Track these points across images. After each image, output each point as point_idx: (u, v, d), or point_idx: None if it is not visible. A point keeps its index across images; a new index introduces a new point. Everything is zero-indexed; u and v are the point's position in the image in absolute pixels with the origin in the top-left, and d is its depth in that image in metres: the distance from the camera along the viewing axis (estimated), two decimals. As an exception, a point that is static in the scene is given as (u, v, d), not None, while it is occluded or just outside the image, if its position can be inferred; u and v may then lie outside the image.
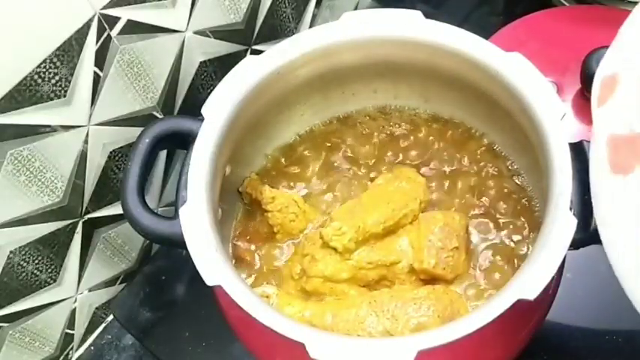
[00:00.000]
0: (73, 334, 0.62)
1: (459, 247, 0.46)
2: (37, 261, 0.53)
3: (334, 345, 0.36)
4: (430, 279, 0.46)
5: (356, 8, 0.78)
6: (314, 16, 0.71)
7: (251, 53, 0.64)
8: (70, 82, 0.48)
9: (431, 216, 0.47)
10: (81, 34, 0.47)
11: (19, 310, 0.54)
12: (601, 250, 0.56)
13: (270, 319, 0.37)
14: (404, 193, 0.48)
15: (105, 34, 0.49)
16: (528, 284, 0.36)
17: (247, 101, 0.46)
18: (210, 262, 0.39)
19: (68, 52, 0.47)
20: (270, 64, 0.46)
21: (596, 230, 0.40)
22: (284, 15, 0.66)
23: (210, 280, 0.38)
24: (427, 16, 0.46)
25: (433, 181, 0.51)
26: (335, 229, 0.46)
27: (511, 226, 0.48)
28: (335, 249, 0.45)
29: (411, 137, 0.53)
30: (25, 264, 0.52)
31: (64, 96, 0.48)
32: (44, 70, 0.45)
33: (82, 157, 0.52)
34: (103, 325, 0.65)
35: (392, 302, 0.44)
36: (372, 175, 0.52)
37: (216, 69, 0.61)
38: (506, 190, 0.50)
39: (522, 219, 0.48)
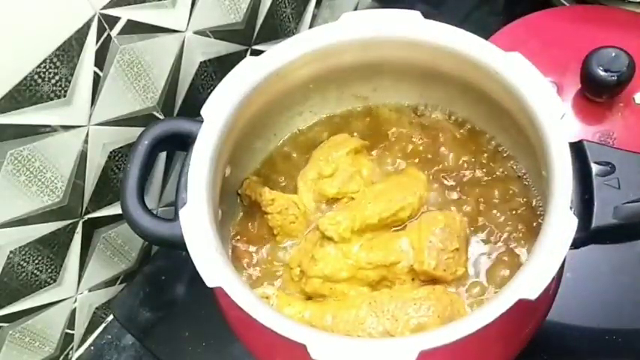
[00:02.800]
0: (73, 334, 0.62)
1: (459, 248, 0.45)
2: (37, 261, 0.53)
3: (336, 346, 0.36)
4: (430, 280, 0.46)
5: (356, 8, 0.78)
6: (314, 16, 0.71)
7: (251, 53, 0.64)
8: (70, 82, 0.48)
9: (432, 216, 0.47)
10: (81, 34, 0.47)
11: (19, 310, 0.54)
12: (601, 250, 0.56)
13: (271, 320, 0.37)
14: (402, 186, 0.48)
15: (105, 34, 0.49)
16: (529, 284, 0.36)
17: (247, 102, 0.46)
18: (211, 263, 0.39)
19: (68, 52, 0.47)
20: (270, 64, 0.46)
21: (596, 230, 0.40)
22: (284, 15, 0.66)
23: (210, 281, 0.38)
24: (427, 16, 0.46)
25: (434, 180, 0.51)
26: (330, 218, 0.46)
27: (513, 226, 0.48)
28: (331, 238, 0.45)
29: (411, 137, 0.53)
30: (25, 264, 0.52)
31: (64, 96, 0.48)
32: (44, 70, 0.45)
33: (82, 157, 0.52)
34: (103, 325, 0.65)
35: (392, 303, 0.44)
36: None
37: (216, 69, 0.61)
38: (508, 190, 0.50)
39: (524, 219, 0.48)
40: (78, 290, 0.59)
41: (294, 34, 0.68)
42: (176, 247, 0.42)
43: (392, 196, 0.48)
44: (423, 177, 0.50)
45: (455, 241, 0.45)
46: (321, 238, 0.47)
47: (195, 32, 0.56)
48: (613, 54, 0.54)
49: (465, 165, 0.51)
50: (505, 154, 0.51)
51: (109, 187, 0.57)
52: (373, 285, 0.46)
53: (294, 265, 0.47)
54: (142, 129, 0.47)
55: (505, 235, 0.48)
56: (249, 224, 0.50)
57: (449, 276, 0.45)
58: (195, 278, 0.39)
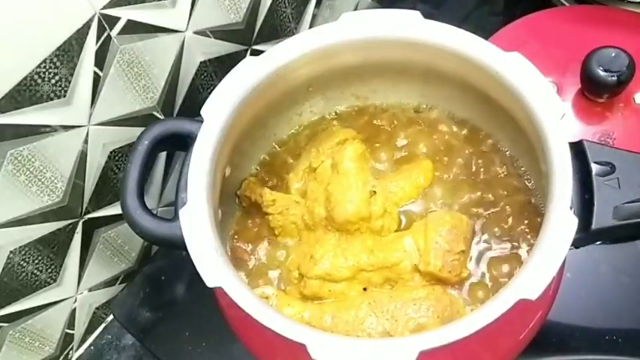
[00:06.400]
0: (73, 334, 0.62)
1: (465, 250, 0.45)
2: (37, 261, 0.53)
3: (336, 346, 0.36)
4: (434, 280, 0.45)
5: (356, 8, 0.78)
6: (314, 16, 0.71)
7: (251, 53, 0.64)
8: (70, 82, 0.48)
9: (439, 217, 0.46)
10: (81, 34, 0.47)
11: (19, 310, 0.54)
12: (601, 250, 0.56)
13: (271, 320, 0.37)
14: (410, 170, 0.50)
15: (105, 34, 0.49)
16: (529, 284, 0.36)
17: (247, 102, 0.46)
18: (211, 263, 0.39)
19: (68, 52, 0.47)
20: (270, 64, 0.46)
21: (596, 230, 0.40)
22: (284, 15, 0.66)
23: (210, 281, 0.38)
24: (427, 16, 0.46)
25: (436, 180, 0.51)
26: None
27: (513, 226, 0.48)
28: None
29: (411, 137, 0.53)
30: (25, 264, 0.52)
31: (64, 96, 0.48)
32: (44, 70, 0.45)
33: (82, 157, 0.52)
34: (103, 325, 0.65)
35: (391, 303, 0.44)
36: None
37: (216, 69, 0.61)
38: (508, 189, 0.50)
39: (525, 218, 0.48)
40: (78, 290, 0.59)
41: (294, 34, 0.68)
42: (176, 247, 0.42)
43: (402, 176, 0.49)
44: (429, 163, 0.50)
45: (461, 243, 0.45)
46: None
47: (195, 32, 0.56)
48: (613, 54, 0.54)
49: (465, 165, 0.51)
50: (505, 154, 0.51)
51: (109, 187, 0.57)
52: (377, 287, 0.46)
53: (293, 268, 0.47)
54: (142, 129, 0.47)
55: (505, 234, 0.48)
56: (249, 224, 0.50)
57: (453, 278, 0.45)
58: (195, 278, 0.39)
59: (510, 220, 0.48)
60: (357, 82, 0.53)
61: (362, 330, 0.43)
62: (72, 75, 0.48)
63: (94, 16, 0.47)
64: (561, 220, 0.38)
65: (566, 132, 0.41)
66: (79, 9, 0.46)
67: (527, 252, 0.47)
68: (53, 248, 0.54)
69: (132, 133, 0.55)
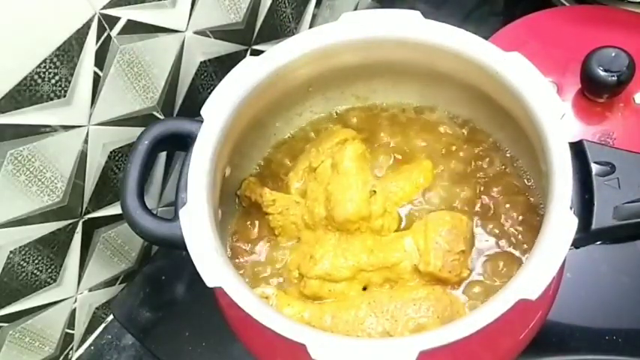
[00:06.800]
0: (73, 334, 0.62)
1: (465, 250, 0.45)
2: (37, 261, 0.53)
3: (336, 346, 0.36)
4: (434, 280, 0.45)
5: (356, 8, 0.78)
6: (314, 16, 0.71)
7: (251, 53, 0.64)
8: (70, 82, 0.48)
9: (439, 217, 0.46)
10: (81, 34, 0.47)
11: (19, 310, 0.54)
12: (601, 250, 0.56)
13: (271, 320, 0.37)
14: (410, 170, 0.50)
15: (105, 34, 0.49)
16: (529, 284, 0.36)
17: (247, 102, 0.46)
18: (211, 263, 0.39)
19: (68, 52, 0.47)
20: (270, 64, 0.46)
21: (596, 230, 0.40)
22: (284, 15, 0.66)
23: (210, 281, 0.38)
24: (427, 16, 0.46)
25: (436, 180, 0.51)
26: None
27: (513, 225, 0.48)
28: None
29: (411, 137, 0.53)
30: (25, 264, 0.52)
31: (64, 96, 0.48)
32: (44, 70, 0.45)
33: (82, 157, 0.52)
34: (103, 325, 0.65)
35: (391, 303, 0.44)
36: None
37: (216, 69, 0.61)
38: (508, 189, 0.50)
39: (525, 218, 0.48)
40: (78, 290, 0.59)
41: (294, 34, 0.68)
42: (176, 247, 0.42)
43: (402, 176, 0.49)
44: (429, 163, 0.50)
45: (461, 243, 0.45)
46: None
47: (195, 32, 0.56)
48: (613, 54, 0.54)
49: (465, 164, 0.51)
50: (505, 154, 0.51)
51: (109, 187, 0.57)
52: (377, 287, 0.46)
53: (293, 268, 0.47)
54: (142, 129, 0.47)
55: (505, 234, 0.48)
56: (249, 224, 0.50)
57: (454, 277, 0.45)
58: (195, 278, 0.39)
59: (510, 220, 0.48)
60: (357, 82, 0.53)
61: (362, 330, 0.43)
62: (72, 75, 0.48)
63: (94, 16, 0.47)
64: (561, 220, 0.38)
65: (566, 132, 0.41)
66: (79, 9, 0.46)
67: (527, 252, 0.47)
68: (53, 248, 0.54)
69: (132, 133, 0.55)
